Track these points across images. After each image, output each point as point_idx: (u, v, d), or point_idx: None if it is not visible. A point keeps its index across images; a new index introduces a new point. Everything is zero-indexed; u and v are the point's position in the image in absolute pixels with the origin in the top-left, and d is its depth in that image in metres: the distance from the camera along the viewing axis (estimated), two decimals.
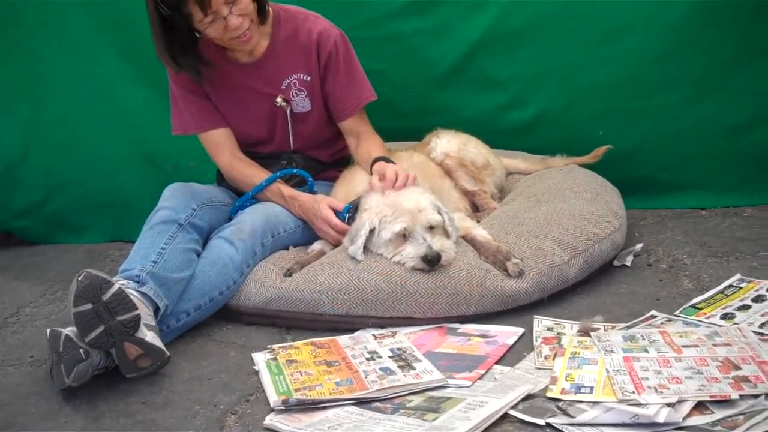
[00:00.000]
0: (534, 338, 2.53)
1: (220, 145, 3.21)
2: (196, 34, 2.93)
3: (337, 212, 3.00)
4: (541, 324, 2.63)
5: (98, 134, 3.91)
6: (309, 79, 3.16)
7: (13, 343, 2.91)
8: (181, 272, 2.73)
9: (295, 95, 3.17)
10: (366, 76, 3.23)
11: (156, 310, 2.63)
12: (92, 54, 3.81)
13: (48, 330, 2.44)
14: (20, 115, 3.94)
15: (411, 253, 2.72)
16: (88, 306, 2.37)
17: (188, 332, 2.81)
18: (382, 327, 2.72)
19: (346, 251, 2.83)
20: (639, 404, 2.02)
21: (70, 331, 2.41)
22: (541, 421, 2.06)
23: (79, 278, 2.39)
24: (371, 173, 2.99)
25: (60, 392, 2.46)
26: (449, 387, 2.29)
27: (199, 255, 2.88)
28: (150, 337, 2.48)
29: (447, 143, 3.36)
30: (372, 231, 2.80)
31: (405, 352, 2.51)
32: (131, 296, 2.47)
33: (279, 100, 3.16)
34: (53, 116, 3.92)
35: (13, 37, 3.85)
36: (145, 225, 2.86)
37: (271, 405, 2.27)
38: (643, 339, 2.37)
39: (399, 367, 2.40)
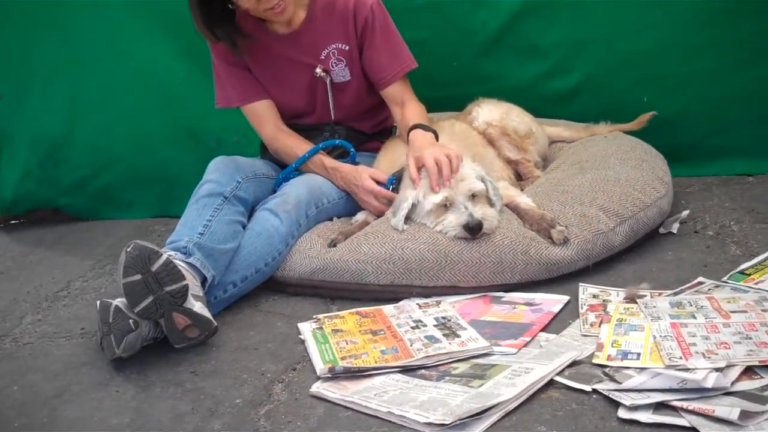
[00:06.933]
0: (579, 305, 2.52)
1: (263, 117, 3.22)
2: (229, 5, 2.94)
3: (380, 184, 3.00)
4: (587, 291, 2.61)
5: (141, 111, 3.94)
6: (348, 48, 3.14)
7: (65, 316, 2.97)
8: (227, 243, 2.76)
9: (334, 65, 3.16)
10: (405, 43, 3.20)
11: (203, 281, 2.66)
12: (131, 31, 3.83)
13: (98, 302, 2.48)
14: (62, 95, 3.98)
15: (452, 221, 2.72)
16: (138, 276, 2.41)
17: (235, 303, 2.84)
18: (427, 296, 2.73)
19: (389, 223, 2.84)
20: (687, 369, 2.00)
21: (119, 302, 2.46)
22: (587, 387, 2.06)
23: (128, 249, 2.43)
24: (408, 142, 2.99)
25: (111, 363, 2.50)
26: (494, 354, 2.29)
27: (244, 227, 2.90)
28: (198, 307, 2.51)
29: (489, 112, 3.33)
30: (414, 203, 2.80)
31: (450, 320, 2.51)
32: (179, 267, 2.50)
33: (318, 70, 3.15)
34: (95, 94, 3.96)
35: (52, 18, 3.88)
36: (191, 198, 2.89)
37: (318, 373, 2.30)
38: (691, 305, 2.34)
39: (444, 335, 2.41)
